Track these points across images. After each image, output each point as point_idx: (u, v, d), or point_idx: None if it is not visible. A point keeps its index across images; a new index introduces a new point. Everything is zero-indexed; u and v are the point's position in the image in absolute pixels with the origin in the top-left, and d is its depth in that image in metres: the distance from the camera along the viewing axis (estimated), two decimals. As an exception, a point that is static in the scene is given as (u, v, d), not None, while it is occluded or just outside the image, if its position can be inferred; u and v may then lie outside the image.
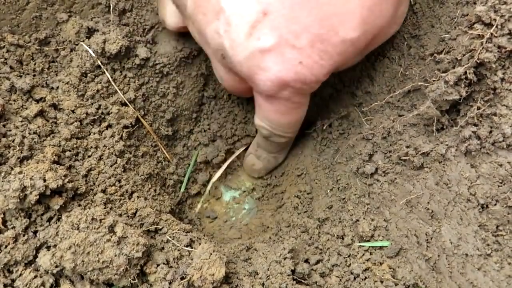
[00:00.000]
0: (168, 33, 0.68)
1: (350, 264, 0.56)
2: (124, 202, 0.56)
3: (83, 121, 0.60)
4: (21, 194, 0.45)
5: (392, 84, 0.62)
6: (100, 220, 0.46)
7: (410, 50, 0.59)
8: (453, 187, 0.50)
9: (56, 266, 0.44)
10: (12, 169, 0.49)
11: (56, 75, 0.61)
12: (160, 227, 0.55)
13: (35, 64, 0.60)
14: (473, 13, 0.47)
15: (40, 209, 0.48)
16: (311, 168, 0.74)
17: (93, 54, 0.61)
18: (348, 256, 0.57)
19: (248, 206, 0.83)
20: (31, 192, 0.46)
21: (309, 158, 0.76)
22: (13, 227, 0.46)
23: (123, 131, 0.63)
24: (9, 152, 0.50)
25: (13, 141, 0.51)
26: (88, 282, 0.46)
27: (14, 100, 0.56)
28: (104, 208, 0.52)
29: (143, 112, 0.69)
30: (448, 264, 0.50)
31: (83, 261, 0.43)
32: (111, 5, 0.63)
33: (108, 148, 0.60)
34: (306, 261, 0.57)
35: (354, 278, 0.55)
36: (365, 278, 0.54)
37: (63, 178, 0.49)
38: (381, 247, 0.57)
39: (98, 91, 0.62)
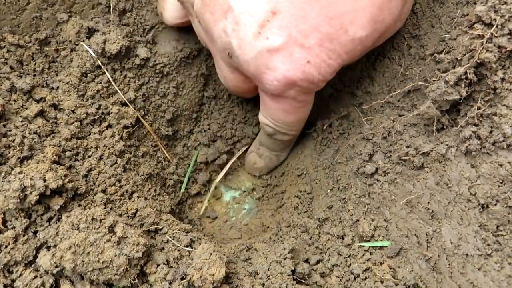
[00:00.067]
0: (168, 33, 0.68)
1: (350, 264, 0.56)
2: (124, 202, 0.56)
3: (83, 121, 0.60)
4: (21, 194, 0.45)
5: (392, 84, 0.62)
6: (100, 220, 0.46)
7: (410, 50, 0.59)
8: (454, 187, 0.50)
9: (56, 266, 0.44)
10: (12, 169, 0.49)
11: (56, 75, 0.62)
12: (160, 227, 0.55)
13: (35, 64, 0.61)
14: (473, 13, 0.47)
15: (40, 209, 0.48)
16: (311, 168, 0.74)
17: (93, 54, 0.61)
18: (348, 256, 0.57)
19: (248, 206, 0.83)
20: (31, 192, 0.46)
21: (309, 158, 0.75)
22: (13, 227, 0.46)
23: (123, 131, 0.63)
24: (9, 152, 0.50)
25: (13, 141, 0.51)
26: (88, 282, 0.46)
27: (14, 100, 0.56)
28: (104, 208, 0.52)
29: (143, 112, 0.69)
30: (449, 264, 0.50)
31: (83, 261, 0.43)
32: (111, 5, 0.63)
33: (108, 148, 0.60)
34: (306, 261, 0.57)
35: (354, 278, 0.55)
36: (365, 278, 0.54)
37: (63, 178, 0.49)
38: (381, 247, 0.57)
39: (98, 91, 0.62)
